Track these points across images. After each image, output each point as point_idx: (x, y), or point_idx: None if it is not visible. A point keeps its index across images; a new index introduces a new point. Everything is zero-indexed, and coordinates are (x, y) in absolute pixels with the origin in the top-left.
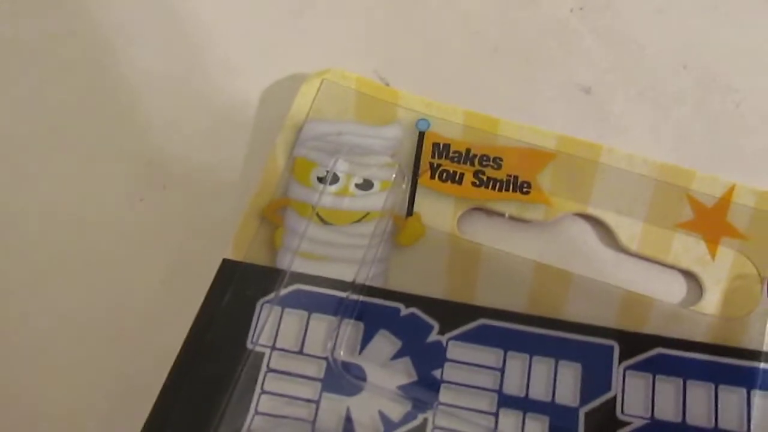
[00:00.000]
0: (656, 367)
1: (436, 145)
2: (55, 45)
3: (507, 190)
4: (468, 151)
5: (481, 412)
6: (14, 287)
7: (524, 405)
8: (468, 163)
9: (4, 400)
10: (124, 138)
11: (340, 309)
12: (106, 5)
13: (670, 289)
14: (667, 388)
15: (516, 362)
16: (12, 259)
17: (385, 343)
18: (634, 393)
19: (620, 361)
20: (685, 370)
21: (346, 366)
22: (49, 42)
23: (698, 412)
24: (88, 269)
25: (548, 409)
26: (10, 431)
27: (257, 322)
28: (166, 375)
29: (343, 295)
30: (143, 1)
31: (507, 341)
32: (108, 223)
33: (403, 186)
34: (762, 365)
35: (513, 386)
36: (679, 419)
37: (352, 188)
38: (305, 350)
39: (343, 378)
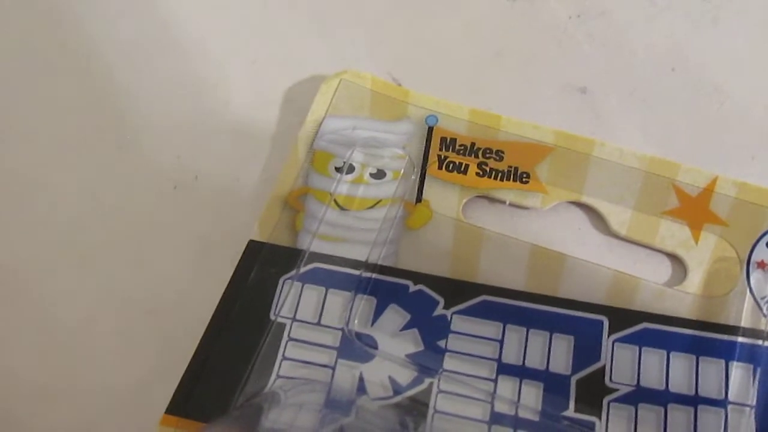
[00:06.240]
0: (642, 340)
1: (443, 139)
2: (94, 48)
3: (508, 179)
4: (473, 144)
5: (481, 378)
6: (62, 266)
7: (521, 372)
8: (472, 155)
9: (55, 364)
10: (161, 133)
11: (354, 285)
12: (143, 8)
13: (656, 271)
14: (652, 359)
15: (514, 334)
16: (60, 241)
17: (395, 316)
18: (622, 363)
19: (609, 334)
20: (669, 343)
21: (360, 336)
22: (91, 46)
23: (680, 381)
24: (128, 249)
25: (543, 376)
26: (58, 392)
27: (279, 297)
28: (198, 342)
29: (357, 273)
30: (178, 8)
31: (506, 315)
32: (146, 208)
33: (413, 176)
34: (740, 339)
35: (511, 356)
36: (662, 387)
37: (366, 177)
38: (323, 322)
39: (356, 346)
